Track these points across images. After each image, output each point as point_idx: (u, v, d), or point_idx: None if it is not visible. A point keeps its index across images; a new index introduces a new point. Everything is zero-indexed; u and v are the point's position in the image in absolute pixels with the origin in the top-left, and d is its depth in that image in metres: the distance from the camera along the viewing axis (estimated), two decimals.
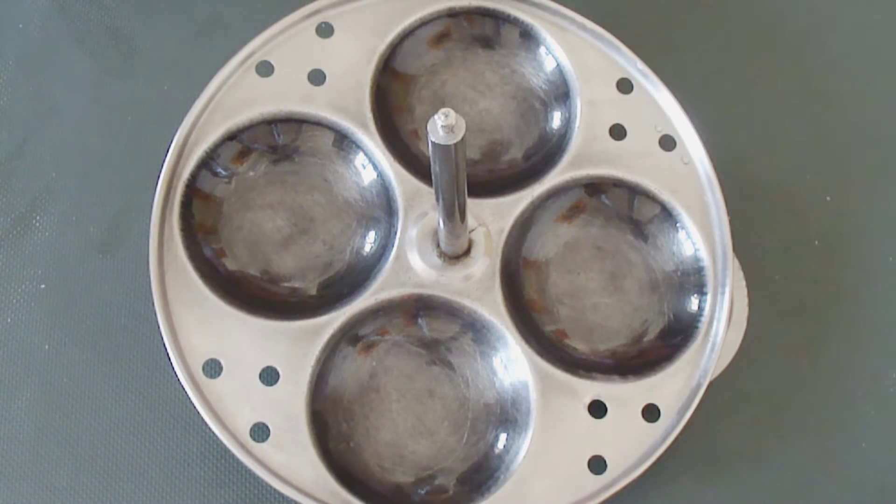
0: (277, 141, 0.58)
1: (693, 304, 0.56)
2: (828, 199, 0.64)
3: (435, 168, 0.46)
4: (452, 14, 0.60)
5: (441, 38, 0.61)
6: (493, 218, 0.56)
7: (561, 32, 0.59)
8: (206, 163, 0.57)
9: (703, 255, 0.56)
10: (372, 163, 0.58)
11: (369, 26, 0.59)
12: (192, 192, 0.57)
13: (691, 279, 0.57)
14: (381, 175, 0.58)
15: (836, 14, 0.69)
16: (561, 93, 0.60)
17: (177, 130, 0.56)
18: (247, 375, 0.53)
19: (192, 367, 0.53)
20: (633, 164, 0.57)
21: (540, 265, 0.58)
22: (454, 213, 0.50)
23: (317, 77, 0.58)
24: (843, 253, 0.63)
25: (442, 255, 0.55)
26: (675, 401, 0.54)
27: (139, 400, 0.60)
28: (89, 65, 0.67)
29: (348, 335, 0.55)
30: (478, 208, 0.56)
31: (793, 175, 0.65)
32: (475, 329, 0.56)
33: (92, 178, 0.64)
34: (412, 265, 0.55)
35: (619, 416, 0.53)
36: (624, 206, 0.58)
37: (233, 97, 0.57)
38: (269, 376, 0.53)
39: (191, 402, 0.52)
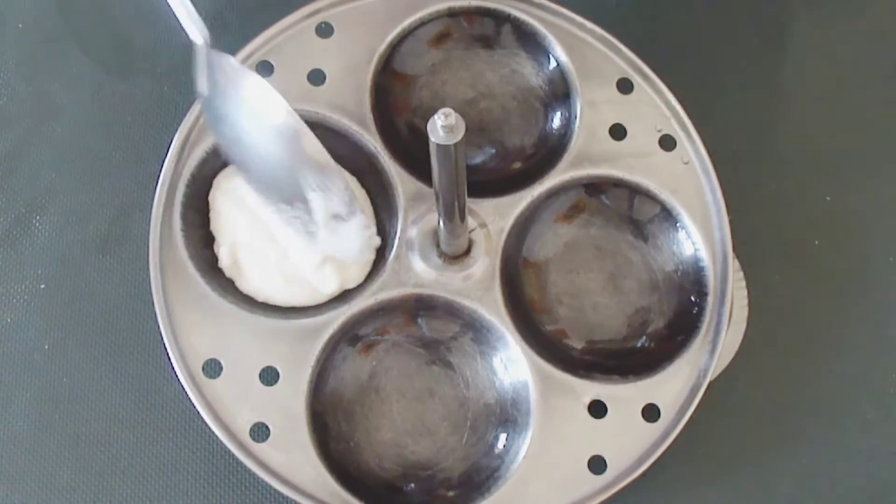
0: None
1: (693, 304, 0.56)
2: (828, 199, 0.64)
3: (435, 168, 0.46)
4: (452, 14, 0.60)
5: (441, 38, 0.61)
6: (493, 218, 0.56)
7: (561, 32, 0.59)
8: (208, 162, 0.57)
9: (703, 255, 0.56)
10: (372, 163, 0.58)
11: (369, 26, 0.59)
12: (193, 192, 0.57)
13: (691, 279, 0.57)
14: (381, 175, 0.58)
15: (836, 14, 0.69)
16: (561, 93, 0.60)
17: (177, 130, 0.56)
18: (247, 375, 0.53)
19: (192, 367, 0.53)
20: (633, 164, 0.57)
21: (540, 265, 0.58)
22: (454, 213, 0.50)
23: (317, 77, 0.58)
24: (843, 253, 0.63)
25: (442, 255, 0.55)
26: (675, 401, 0.54)
27: (139, 400, 0.60)
28: (89, 65, 0.67)
29: (348, 335, 0.55)
30: (478, 208, 0.56)
31: (793, 175, 0.65)
32: (475, 329, 0.56)
33: (92, 178, 0.64)
34: (412, 265, 0.55)
35: (619, 416, 0.53)
36: (624, 206, 0.58)
37: None
38: (269, 376, 0.53)
39: (191, 402, 0.52)
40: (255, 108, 0.50)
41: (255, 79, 0.50)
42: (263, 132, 0.50)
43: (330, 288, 0.55)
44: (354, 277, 0.56)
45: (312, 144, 0.50)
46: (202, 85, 0.50)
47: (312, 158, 0.50)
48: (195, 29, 0.49)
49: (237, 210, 0.55)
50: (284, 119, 0.49)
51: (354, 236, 0.53)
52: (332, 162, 0.51)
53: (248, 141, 0.51)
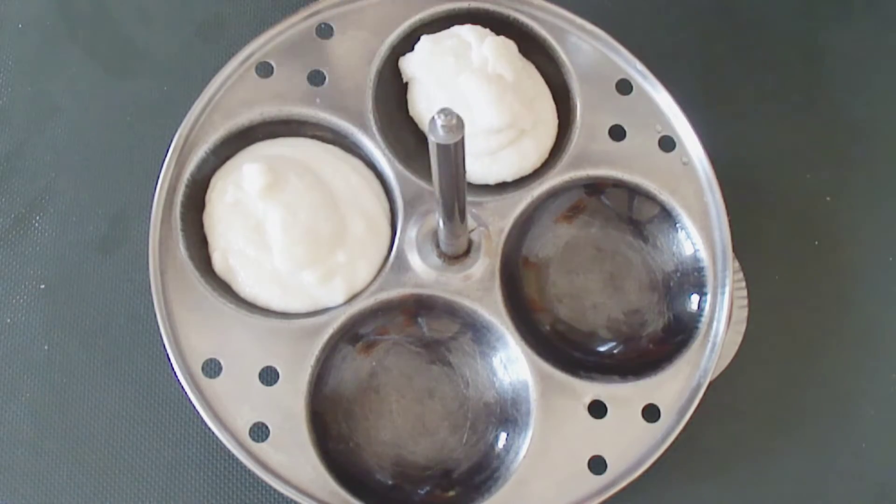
0: None
1: (693, 304, 0.56)
2: (828, 199, 0.64)
3: (435, 168, 0.46)
4: (452, 16, 0.60)
5: None
6: (493, 218, 0.56)
7: (561, 34, 0.59)
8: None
9: (703, 255, 0.56)
10: (372, 163, 0.58)
11: (369, 27, 0.59)
12: (192, 192, 0.57)
13: (691, 279, 0.57)
14: (381, 175, 0.58)
15: (835, 15, 0.69)
16: (561, 93, 0.60)
17: (177, 130, 0.56)
18: (246, 375, 0.53)
19: (192, 367, 0.53)
20: (632, 164, 0.57)
21: (540, 265, 0.58)
22: (454, 213, 0.50)
23: (317, 77, 0.58)
24: (843, 253, 0.63)
25: (442, 255, 0.55)
26: (675, 401, 0.54)
27: (139, 400, 0.60)
28: (89, 65, 0.67)
29: (348, 335, 0.55)
30: (478, 208, 0.56)
31: (793, 175, 0.65)
32: (475, 329, 0.56)
33: (92, 178, 0.64)
34: (412, 265, 0.55)
35: (619, 416, 0.53)
36: (623, 207, 0.59)
37: (233, 97, 0.57)
38: (269, 376, 0.53)
39: (190, 401, 0.52)
40: None
41: None
42: None
43: (337, 301, 0.55)
44: (363, 279, 0.55)
45: None
46: None
47: None
48: None
49: (232, 213, 0.55)
50: None
51: None
52: None
53: None
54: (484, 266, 0.55)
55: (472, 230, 0.55)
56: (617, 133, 0.58)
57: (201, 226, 0.57)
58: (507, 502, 0.52)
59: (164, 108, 0.65)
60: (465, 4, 0.60)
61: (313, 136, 0.58)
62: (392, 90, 0.60)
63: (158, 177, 0.56)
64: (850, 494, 0.59)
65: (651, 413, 0.54)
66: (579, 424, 0.53)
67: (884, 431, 0.60)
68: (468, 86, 0.56)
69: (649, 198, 0.57)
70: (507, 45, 0.58)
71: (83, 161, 0.65)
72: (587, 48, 0.59)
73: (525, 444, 0.53)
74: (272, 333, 0.54)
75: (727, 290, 0.55)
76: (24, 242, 0.63)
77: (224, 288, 0.55)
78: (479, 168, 0.57)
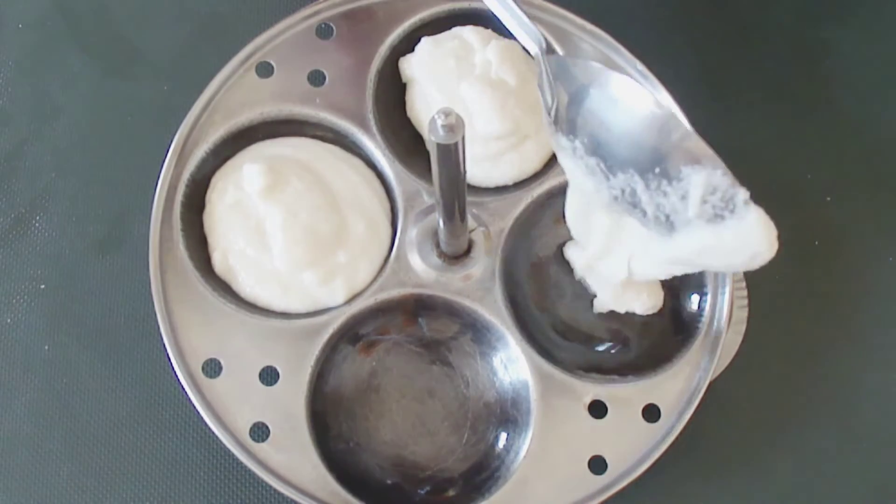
0: None
1: (693, 304, 0.56)
2: (828, 199, 0.64)
3: (435, 168, 0.46)
4: (453, 16, 0.60)
5: None
6: (493, 218, 0.56)
7: (561, 34, 0.59)
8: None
9: None
10: (372, 163, 0.58)
11: (369, 27, 0.59)
12: (192, 192, 0.57)
13: (691, 279, 0.57)
14: (381, 175, 0.58)
15: (835, 15, 0.69)
16: None
17: (177, 130, 0.56)
18: (246, 375, 0.53)
19: (192, 367, 0.53)
20: None
21: (540, 265, 0.58)
22: (454, 213, 0.50)
23: (317, 77, 0.58)
24: (843, 253, 0.63)
25: (442, 255, 0.55)
26: (675, 401, 0.54)
27: (139, 400, 0.60)
28: (89, 65, 0.67)
29: (348, 335, 0.55)
30: (478, 208, 0.56)
31: (793, 175, 0.65)
32: (475, 329, 0.56)
33: (92, 178, 0.64)
34: (412, 265, 0.55)
35: (619, 416, 0.53)
36: None
37: (233, 97, 0.57)
38: (269, 376, 0.53)
39: (190, 402, 0.52)
40: (625, 102, 0.48)
41: (619, 76, 0.48)
42: (634, 123, 0.48)
43: (337, 301, 0.55)
44: (364, 279, 0.55)
45: (685, 133, 0.48)
46: (547, 96, 0.49)
47: (685, 147, 0.47)
48: (530, 40, 0.50)
49: (232, 214, 0.55)
50: (655, 110, 0.47)
51: (749, 232, 0.47)
52: (708, 150, 0.49)
53: (616, 133, 0.48)
54: (484, 266, 0.55)
55: (472, 230, 0.55)
56: None
57: (201, 226, 0.57)
58: (507, 502, 0.52)
59: (164, 108, 0.65)
60: (465, 4, 0.60)
61: (313, 136, 0.58)
62: (392, 90, 0.60)
63: (158, 177, 0.56)
64: (851, 494, 0.59)
65: (651, 413, 0.54)
66: (579, 424, 0.53)
67: (884, 431, 0.60)
68: (470, 94, 0.56)
69: None
70: (512, 49, 0.58)
71: (83, 161, 0.65)
72: (587, 48, 0.59)
73: (525, 444, 0.53)
74: (272, 333, 0.54)
75: (727, 290, 0.55)
76: (24, 242, 0.63)
77: (224, 288, 0.55)
78: (479, 172, 0.57)
